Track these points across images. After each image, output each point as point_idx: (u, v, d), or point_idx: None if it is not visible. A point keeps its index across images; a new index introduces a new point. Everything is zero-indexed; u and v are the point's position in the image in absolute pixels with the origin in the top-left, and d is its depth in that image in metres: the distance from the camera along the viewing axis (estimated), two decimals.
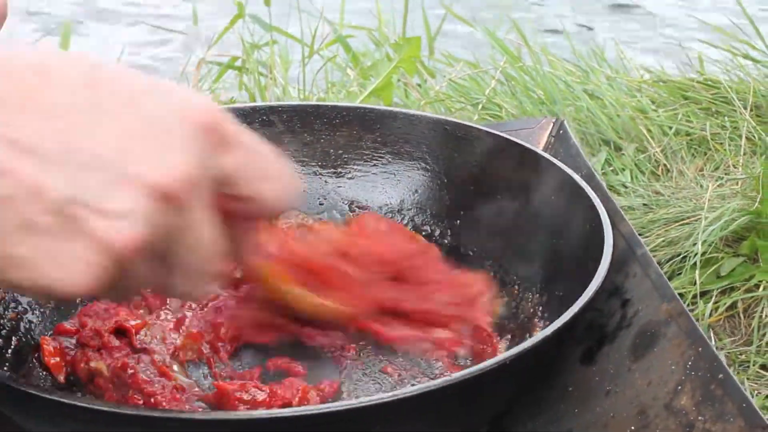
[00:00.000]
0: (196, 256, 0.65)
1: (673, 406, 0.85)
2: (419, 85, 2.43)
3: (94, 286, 0.60)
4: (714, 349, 0.85)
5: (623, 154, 2.08)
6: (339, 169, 1.32)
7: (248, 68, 2.62)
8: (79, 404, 0.78)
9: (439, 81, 2.45)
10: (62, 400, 0.79)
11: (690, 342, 0.88)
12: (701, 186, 1.90)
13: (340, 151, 1.31)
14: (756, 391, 1.48)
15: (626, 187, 1.98)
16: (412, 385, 1.01)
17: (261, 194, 0.69)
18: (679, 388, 0.86)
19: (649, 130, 2.11)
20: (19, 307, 1.08)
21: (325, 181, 1.32)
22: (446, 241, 1.26)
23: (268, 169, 0.70)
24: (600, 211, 1.03)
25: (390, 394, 0.79)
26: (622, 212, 1.08)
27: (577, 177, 1.11)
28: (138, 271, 0.63)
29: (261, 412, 0.88)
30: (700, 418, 0.82)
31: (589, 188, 1.08)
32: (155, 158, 0.61)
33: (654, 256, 1.59)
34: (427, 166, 1.28)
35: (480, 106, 2.21)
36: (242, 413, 0.88)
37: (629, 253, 1.03)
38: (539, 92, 2.26)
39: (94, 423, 0.79)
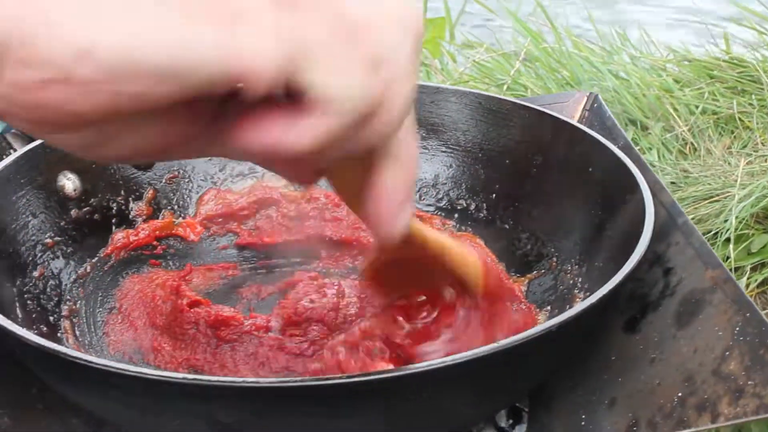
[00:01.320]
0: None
1: (721, 371, 0.85)
2: (442, 69, 2.42)
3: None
4: (762, 314, 0.84)
5: (650, 133, 2.07)
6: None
7: None
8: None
9: (462, 63, 2.44)
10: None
11: (737, 308, 0.87)
12: (729, 164, 1.89)
13: None
14: None
15: (654, 166, 1.97)
16: None
17: None
18: (727, 353, 0.85)
19: (675, 109, 2.10)
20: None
21: None
22: (482, 215, 1.26)
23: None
24: (639, 181, 1.03)
25: (439, 360, 0.79)
26: (662, 183, 1.08)
27: (614, 148, 1.11)
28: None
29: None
30: (749, 382, 0.81)
31: (628, 159, 1.08)
32: None
33: None
34: (462, 141, 1.28)
35: (505, 87, 2.20)
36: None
37: (670, 223, 1.03)
38: (564, 72, 2.25)
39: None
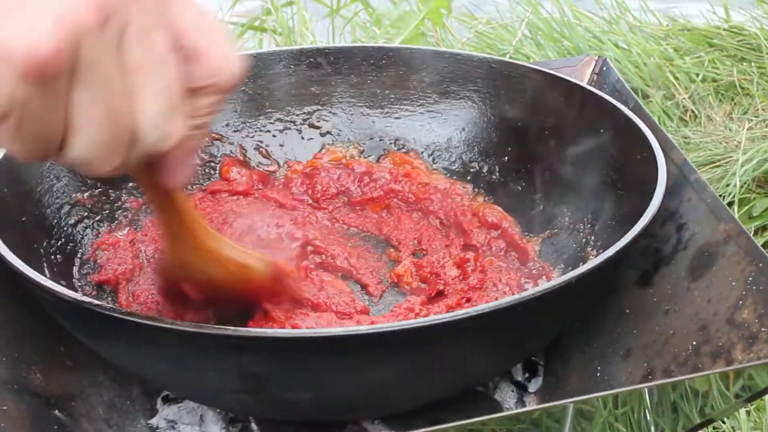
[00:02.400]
0: (159, 63, 0.61)
1: (735, 320, 0.88)
2: (442, 40, 2.44)
3: (54, 49, 0.53)
4: None
5: (651, 101, 2.10)
6: (386, 109, 1.34)
7: (268, 28, 2.63)
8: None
9: (464, 34, 2.46)
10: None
11: (750, 259, 0.90)
12: (730, 130, 1.92)
13: (387, 92, 1.34)
14: None
15: None
16: None
17: (208, 48, 0.65)
18: (740, 303, 0.88)
19: (676, 78, 2.13)
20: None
21: (373, 122, 1.35)
22: (494, 177, 1.28)
23: (214, 26, 0.67)
24: (651, 140, 1.05)
25: (463, 311, 0.81)
26: (673, 141, 1.10)
27: (625, 109, 1.13)
28: (103, 59, 0.56)
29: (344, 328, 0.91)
30: (763, 329, 0.84)
31: (639, 119, 1.10)
32: None
33: None
34: (474, 105, 1.30)
35: (507, 56, 2.22)
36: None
37: (682, 180, 1.06)
38: (566, 42, 2.28)
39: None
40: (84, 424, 1.03)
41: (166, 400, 1.11)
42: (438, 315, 0.84)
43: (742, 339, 0.86)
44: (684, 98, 2.08)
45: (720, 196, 1.69)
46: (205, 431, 1.08)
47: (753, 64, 2.12)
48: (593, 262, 0.88)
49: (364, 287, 1.15)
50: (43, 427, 0.97)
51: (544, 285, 0.85)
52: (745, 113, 2.00)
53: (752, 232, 1.68)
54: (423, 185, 1.28)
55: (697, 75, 2.13)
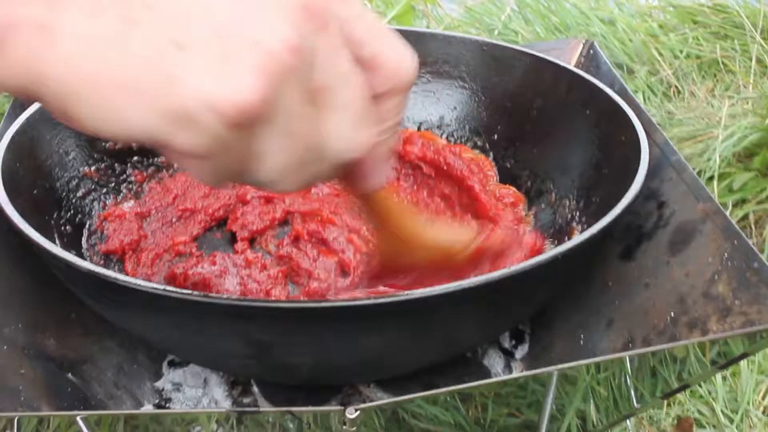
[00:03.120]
0: (346, 80, 0.63)
1: (711, 293, 0.93)
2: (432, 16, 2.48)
3: (259, 101, 0.55)
4: (748, 241, 0.92)
5: (636, 77, 2.15)
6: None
7: None
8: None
9: (453, 9, 2.49)
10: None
11: (726, 236, 0.95)
12: (712, 106, 1.97)
13: None
14: None
15: None
16: None
17: (382, 54, 0.66)
18: (716, 277, 0.93)
19: (660, 54, 2.17)
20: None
21: None
22: (484, 154, 1.34)
23: (383, 31, 0.67)
24: (635, 122, 1.10)
25: (456, 283, 0.86)
26: (656, 123, 1.15)
27: (611, 91, 1.18)
28: (295, 95, 0.59)
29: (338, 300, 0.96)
30: (736, 302, 0.89)
31: (623, 102, 1.15)
32: None
33: None
34: (465, 85, 1.35)
35: (496, 32, 2.27)
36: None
37: (664, 160, 1.11)
38: (554, 18, 2.32)
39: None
40: (95, 387, 1.08)
41: (172, 364, 1.17)
42: (432, 287, 0.88)
43: (717, 311, 0.91)
44: (668, 74, 2.13)
45: (701, 170, 1.75)
46: (208, 393, 1.14)
47: (736, 41, 2.17)
48: (578, 238, 0.92)
49: None
50: (58, 389, 1.02)
51: (532, 260, 0.90)
52: (727, 89, 2.06)
53: (732, 205, 1.74)
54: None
55: (681, 51, 2.18)
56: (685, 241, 1.00)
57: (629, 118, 1.12)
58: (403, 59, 0.67)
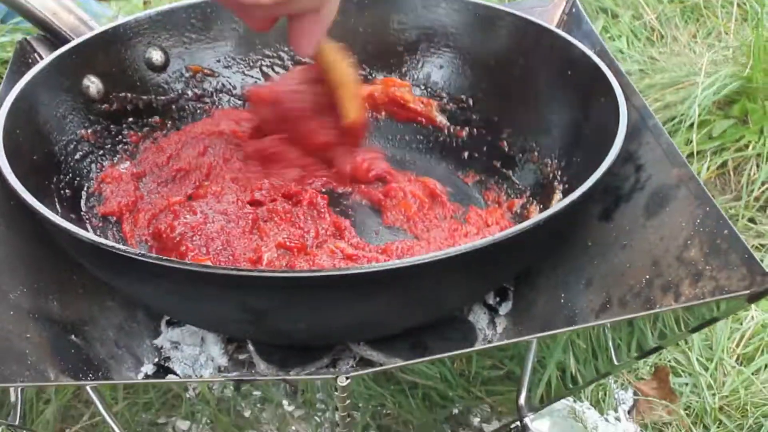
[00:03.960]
0: None
1: (684, 257, 0.97)
2: None
3: None
4: (720, 209, 0.96)
5: (619, 21, 2.17)
6: (368, 47, 1.42)
7: None
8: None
9: None
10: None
11: (699, 203, 0.99)
12: (694, 52, 2.00)
13: (369, 30, 1.42)
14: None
15: (623, 53, 2.08)
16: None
17: None
18: (689, 242, 0.97)
19: None
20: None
21: (355, 57, 1.42)
22: (469, 111, 1.37)
23: None
24: (614, 86, 1.14)
25: (443, 252, 0.90)
26: (634, 86, 1.18)
27: (592, 54, 1.21)
28: None
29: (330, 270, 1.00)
30: (707, 267, 0.93)
31: (603, 64, 1.18)
32: None
33: None
34: (450, 44, 1.39)
35: None
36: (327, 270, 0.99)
37: (641, 124, 1.14)
38: None
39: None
40: (97, 347, 1.12)
41: (170, 323, 1.22)
42: (420, 255, 0.92)
43: (689, 275, 0.95)
44: (651, 18, 2.16)
45: (682, 116, 1.79)
46: (205, 351, 1.19)
47: None
48: (560, 204, 0.96)
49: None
50: (62, 351, 1.06)
51: (515, 227, 0.94)
52: (709, 35, 2.09)
53: (711, 153, 1.78)
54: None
55: None
56: (660, 204, 1.04)
57: (609, 81, 1.15)
58: None
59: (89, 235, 0.93)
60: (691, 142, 1.74)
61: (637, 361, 1.28)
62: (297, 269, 1.06)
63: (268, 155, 1.28)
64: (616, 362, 1.04)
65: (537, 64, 1.29)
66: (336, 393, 0.85)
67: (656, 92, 1.88)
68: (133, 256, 0.91)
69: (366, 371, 0.89)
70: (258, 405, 1.20)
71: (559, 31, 1.28)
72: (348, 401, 0.89)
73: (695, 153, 1.74)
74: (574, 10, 1.43)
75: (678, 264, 0.98)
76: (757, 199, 1.69)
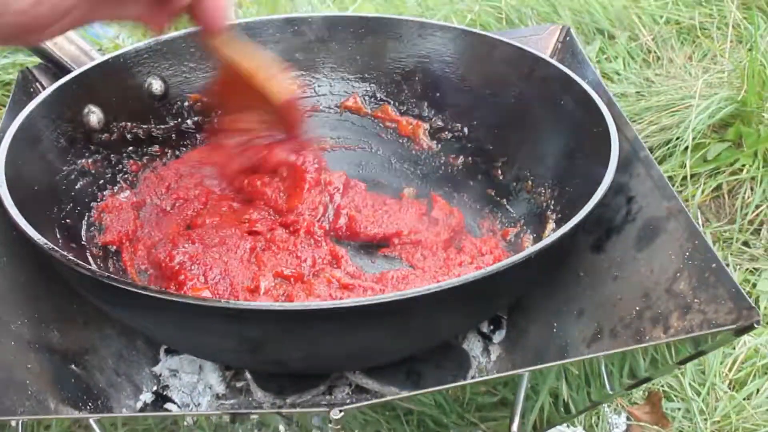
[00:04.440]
0: None
1: (673, 290, 0.99)
2: None
3: None
4: (708, 242, 0.98)
5: (616, 42, 2.19)
6: (365, 74, 1.44)
7: None
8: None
9: None
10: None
11: (687, 235, 1.01)
12: (690, 74, 2.02)
13: (366, 58, 1.44)
14: (738, 266, 1.63)
15: (619, 75, 2.10)
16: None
17: None
18: (678, 275, 0.99)
19: (640, 19, 2.21)
20: None
21: (353, 86, 1.45)
22: (464, 140, 1.39)
23: None
24: (606, 117, 1.15)
25: (436, 285, 0.91)
26: (626, 117, 1.20)
27: (584, 84, 1.23)
28: None
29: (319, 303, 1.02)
30: (696, 300, 0.95)
31: (596, 95, 1.20)
32: None
33: (646, 142, 1.74)
34: (446, 72, 1.40)
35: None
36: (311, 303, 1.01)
37: (633, 155, 1.16)
38: None
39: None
40: (96, 376, 1.14)
41: (168, 351, 1.23)
42: (413, 289, 0.94)
43: (678, 308, 0.97)
44: (648, 40, 2.17)
45: (677, 140, 1.80)
46: (203, 379, 1.20)
47: (714, 7, 2.21)
48: (551, 237, 0.98)
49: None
50: (63, 381, 1.08)
51: (507, 260, 0.95)
52: (704, 56, 2.10)
53: (705, 176, 1.80)
54: None
55: (661, 17, 2.22)
56: (650, 237, 1.06)
57: (601, 112, 1.17)
58: None
59: (89, 267, 0.95)
60: (686, 165, 1.76)
61: (627, 393, 1.30)
62: (292, 302, 1.08)
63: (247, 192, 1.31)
64: (609, 391, 1.06)
65: (531, 93, 1.31)
66: (330, 425, 0.87)
67: (652, 115, 1.89)
68: (130, 289, 0.92)
69: (359, 405, 0.91)
70: (255, 431, 1.21)
71: (553, 61, 1.30)
72: None
73: (689, 176, 1.75)
74: (568, 38, 1.45)
75: (667, 296, 1.00)
76: (751, 222, 1.71)
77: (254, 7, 2.44)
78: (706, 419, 1.32)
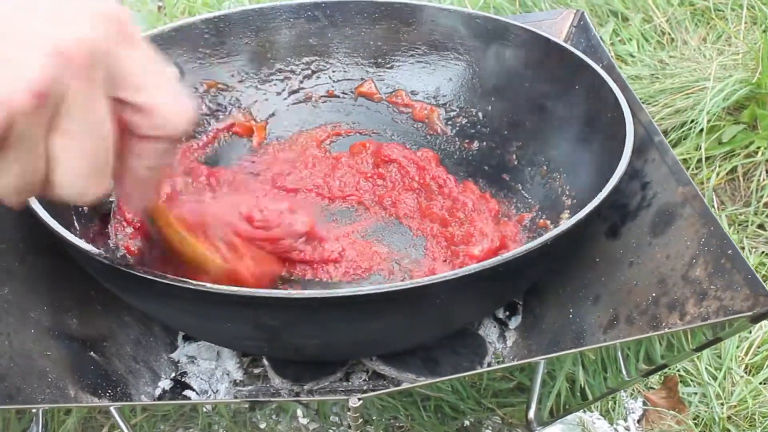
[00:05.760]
0: (88, 130, 0.65)
1: (689, 276, 0.99)
2: None
3: None
4: (724, 228, 0.98)
5: (630, 24, 2.18)
6: (379, 59, 1.44)
7: None
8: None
9: None
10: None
11: (703, 222, 1.01)
12: (704, 56, 2.01)
13: (380, 43, 1.44)
14: (754, 248, 1.63)
15: (633, 57, 2.09)
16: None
17: (155, 105, 0.69)
18: (694, 261, 0.99)
19: (654, 0, 2.20)
20: None
21: (366, 71, 1.45)
22: (478, 125, 1.39)
23: (165, 83, 0.70)
24: (621, 101, 1.15)
25: (452, 272, 0.92)
26: (640, 102, 1.20)
27: (598, 68, 1.23)
28: (33, 131, 0.63)
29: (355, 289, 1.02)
30: (712, 287, 0.95)
31: (611, 79, 1.20)
32: (60, 23, 0.63)
33: (660, 125, 1.73)
34: (460, 56, 1.40)
35: None
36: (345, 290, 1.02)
37: (647, 140, 1.16)
38: None
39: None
40: (115, 363, 1.15)
41: (186, 338, 1.24)
42: (430, 276, 0.94)
43: (694, 294, 0.97)
44: (662, 21, 2.16)
45: (691, 122, 1.80)
46: (221, 365, 1.21)
47: None
48: (567, 223, 0.98)
49: None
50: (82, 368, 1.09)
51: (523, 246, 0.95)
52: (719, 38, 2.09)
53: (721, 158, 1.79)
54: None
55: None
56: (666, 223, 1.06)
57: (616, 96, 1.16)
58: (173, 113, 0.70)
59: (106, 255, 0.95)
60: (700, 148, 1.76)
61: (644, 379, 1.30)
62: (307, 291, 1.08)
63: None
64: (626, 377, 1.06)
65: (545, 77, 1.31)
66: (349, 413, 0.88)
67: (666, 97, 1.89)
68: (148, 277, 0.93)
69: (377, 392, 0.91)
70: (273, 417, 1.22)
71: (567, 45, 1.30)
72: (360, 420, 0.92)
73: (704, 159, 1.75)
74: (582, 22, 1.44)
75: (683, 283, 0.99)
76: (766, 205, 1.70)
77: None
78: (722, 404, 1.32)
